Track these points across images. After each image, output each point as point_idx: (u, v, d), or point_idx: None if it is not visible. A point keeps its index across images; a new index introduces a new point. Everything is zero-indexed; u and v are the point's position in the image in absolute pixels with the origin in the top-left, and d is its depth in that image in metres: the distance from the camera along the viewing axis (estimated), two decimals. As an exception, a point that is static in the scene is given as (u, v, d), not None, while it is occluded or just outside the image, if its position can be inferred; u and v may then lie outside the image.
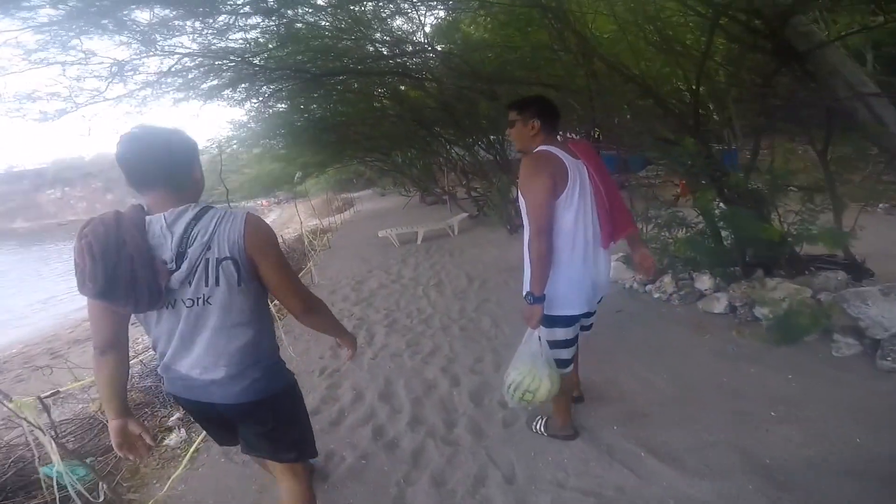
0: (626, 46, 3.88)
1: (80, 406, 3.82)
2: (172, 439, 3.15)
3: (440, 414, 2.95)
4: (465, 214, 9.58)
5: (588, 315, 2.22)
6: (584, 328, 2.28)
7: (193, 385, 1.44)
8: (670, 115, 3.45)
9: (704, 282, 3.98)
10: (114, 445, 1.46)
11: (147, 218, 1.33)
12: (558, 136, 2.08)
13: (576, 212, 1.90)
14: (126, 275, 1.25)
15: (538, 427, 2.48)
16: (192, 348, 1.40)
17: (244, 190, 15.15)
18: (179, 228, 1.32)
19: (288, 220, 26.68)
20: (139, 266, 1.26)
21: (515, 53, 4.82)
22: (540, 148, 1.95)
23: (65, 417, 3.60)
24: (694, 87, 3.37)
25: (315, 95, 7.73)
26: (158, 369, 1.50)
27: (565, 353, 2.15)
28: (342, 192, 29.29)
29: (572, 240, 1.93)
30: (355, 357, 1.89)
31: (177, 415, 3.36)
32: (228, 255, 1.32)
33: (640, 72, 3.74)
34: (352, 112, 8.67)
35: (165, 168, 1.33)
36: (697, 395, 2.71)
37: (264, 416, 1.49)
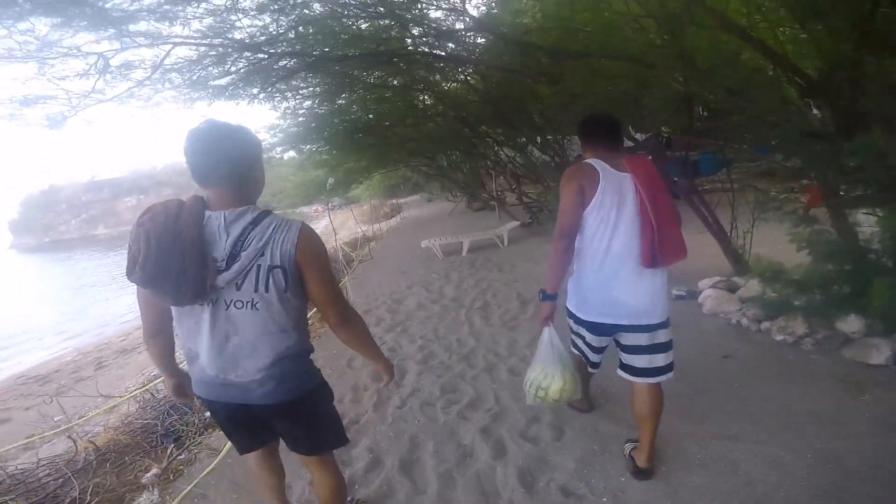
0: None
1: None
2: (143, 501, 2.61)
3: (475, 497, 2.19)
4: (515, 223, 8.65)
5: (635, 349, 2.02)
6: (634, 371, 2.05)
7: (229, 386, 1.46)
8: (817, 91, 2.41)
9: (851, 323, 2.88)
10: (171, 395, 1.69)
11: (207, 213, 1.38)
12: (616, 148, 2.07)
13: (602, 222, 1.92)
14: (176, 266, 1.29)
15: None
16: (232, 350, 1.42)
17: (293, 196, 14.94)
18: (236, 230, 1.36)
19: (340, 225, 26.93)
20: (189, 261, 1.30)
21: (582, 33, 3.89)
22: (586, 160, 2.02)
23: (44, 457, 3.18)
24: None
25: (350, 94, 7.17)
26: (188, 367, 1.54)
27: (595, 357, 2.21)
28: (390, 197, 29.11)
29: (595, 247, 1.96)
30: (393, 385, 1.92)
31: (154, 470, 2.84)
32: (279, 263, 1.37)
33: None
34: (391, 112, 8.04)
35: (229, 164, 1.37)
36: (861, 488, 1.85)
37: (302, 413, 1.55)
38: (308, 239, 1.39)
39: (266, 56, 4.21)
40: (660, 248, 1.87)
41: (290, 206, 18.51)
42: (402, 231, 14.29)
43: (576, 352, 2.25)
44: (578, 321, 2.11)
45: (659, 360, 1.99)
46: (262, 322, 1.39)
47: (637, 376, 2.03)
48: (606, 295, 1.97)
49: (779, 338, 3.25)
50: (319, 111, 7.67)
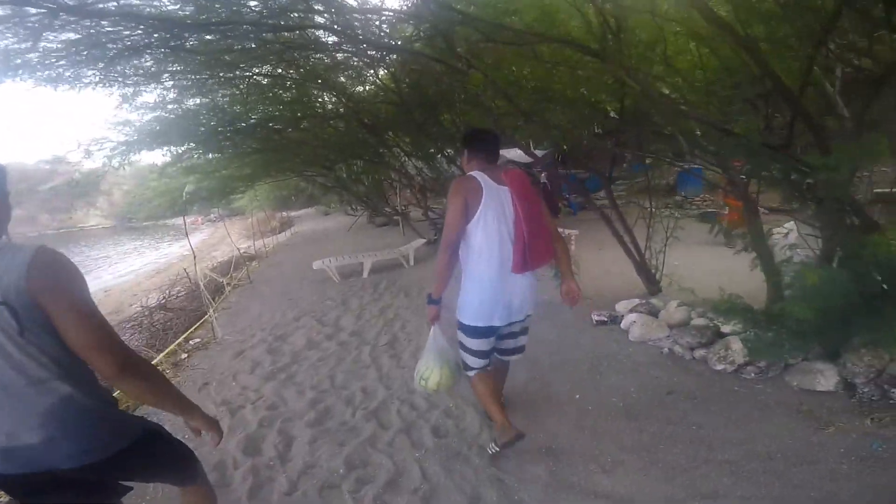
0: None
1: None
2: None
3: None
4: (421, 240, 7.97)
5: (510, 335, 2.36)
6: (504, 351, 2.42)
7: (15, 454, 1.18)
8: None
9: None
10: None
11: None
12: (494, 161, 2.22)
13: (485, 232, 2.06)
14: None
15: (491, 448, 2.36)
16: None
17: (153, 207, 12.56)
18: None
19: (219, 241, 24.09)
20: None
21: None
22: (469, 173, 2.15)
23: None
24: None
25: (231, 88, 5.96)
26: None
27: (471, 360, 2.29)
28: (281, 209, 26.96)
29: (480, 258, 2.10)
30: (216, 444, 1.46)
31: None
32: (3, 299, 1.07)
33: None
34: (284, 113, 6.94)
35: None
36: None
37: (123, 469, 1.32)
38: (46, 266, 1.11)
39: (95, 22, 3.07)
40: (530, 255, 2.07)
41: (150, 217, 15.82)
42: (293, 248, 12.88)
43: (472, 365, 2.30)
44: (471, 330, 2.22)
45: (523, 340, 2.41)
46: (6, 376, 1.13)
47: (505, 356, 2.43)
48: (498, 301, 2.13)
49: (718, 367, 3.02)
50: (188, 107, 6.32)
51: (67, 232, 42.43)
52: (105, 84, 4.32)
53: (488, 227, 2.04)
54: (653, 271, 4.61)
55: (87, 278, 1.19)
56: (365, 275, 7.18)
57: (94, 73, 3.99)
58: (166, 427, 1.52)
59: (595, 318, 4.09)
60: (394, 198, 11.78)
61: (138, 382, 1.21)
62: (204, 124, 6.67)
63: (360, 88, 7.00)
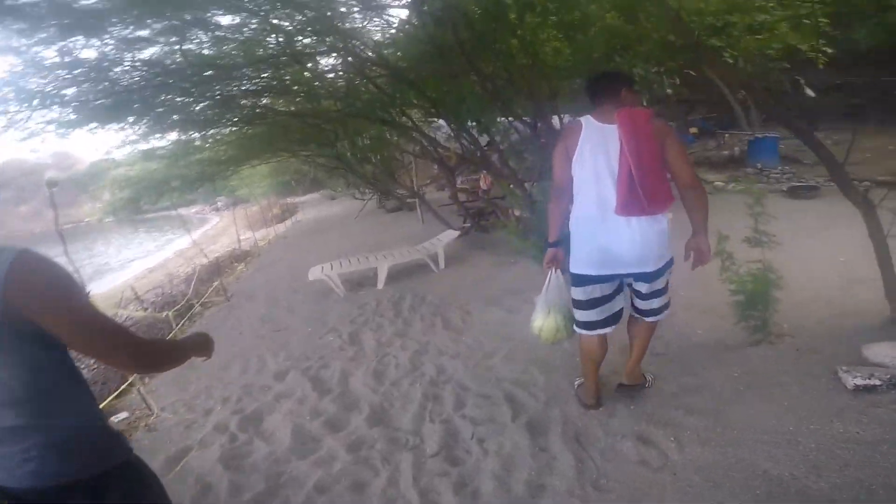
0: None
1: None
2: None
3: None
4: (453, 233, 5.98)
5: (637, 295, 2.19)
6: (638, 311, 2.24)
7: None
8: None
9: None
10: None
11: None
12: (608, 103, 2.03)
13: (582, 172, 1.99)
14: None
15: (575, 385, 2.52)
16: None
17: (124, 201, 10.51)
18: None
19: (221, 232, 22.41)
20: None
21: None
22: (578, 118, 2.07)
23: None
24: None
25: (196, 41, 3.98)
26: None
27: (580, 314, 2.19)
28: (286, 196, 25.14)
29: (578, 198, 2.04)
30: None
31: None
32: None
33: None
34: (272, 80, 4.93)
35: None
36: None
37: (94, 495, 1.15)
38: (26, 274, 0.97)
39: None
40: (637, 197, 1.88)
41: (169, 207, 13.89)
42: (291, 242, 10.96)
43: (578, 319, 2.21)
44: (574, 277, 2.13)
45: (656, 302, 2.16)
46: None
47: (643, 315, 2.22)
48: (595, 245, 2.02)
49: None
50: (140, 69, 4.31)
51: (74, 227, 40.89)
52: None
53: (585, 166, 1.97)
54: None
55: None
56: (380, 285, 5.25)
57: None
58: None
59: (852, 379, 2.19)
60: (406, 177, 9.73)
61: (156, 365, 1.28)
62: (164, 94, 4.66)
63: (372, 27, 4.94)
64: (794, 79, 8.61)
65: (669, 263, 2.09)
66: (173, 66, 4.29)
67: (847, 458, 1.81)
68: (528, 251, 4.05)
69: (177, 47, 4.06)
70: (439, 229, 6.82)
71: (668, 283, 2.16)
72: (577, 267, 2.09)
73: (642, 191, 1.87)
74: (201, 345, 1.42)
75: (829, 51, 3.99)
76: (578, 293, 2.14)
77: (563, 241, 2.18)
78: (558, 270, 2.26)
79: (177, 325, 5.19)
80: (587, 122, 1.98)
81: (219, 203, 33.29)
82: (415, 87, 4.72)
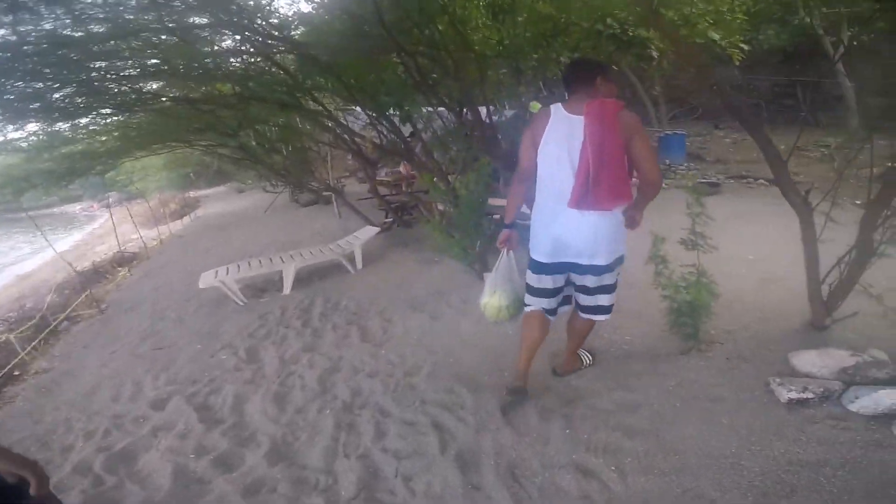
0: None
1: None
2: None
3: None
4: (372, 229, 5.49)
5: (583, 289, 2.17)
6: (582, 308, 2.25)
7: None
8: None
9: None
10: None
11: None
12: (579, 92, 1.98)
13: (545, 162, 1.98)
14: None
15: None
16: None
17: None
18: None
19: (111, 230, 19.84)
20: None
21: None
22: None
23: None
24: None
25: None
26: None
27: (528, 298, 2.23)
28: (188, 189, 22.84)
29: (539, 186, 2.04)
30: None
31: None
32: None
33: None
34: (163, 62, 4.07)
35: None
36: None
37: None
38: None
39: None
40: (593, 191, 1.86)
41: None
42: (188, 241, 9.76)
43: (526, 301, 2.25)
44: (531, 262, 2.15)
45: (602, 299, 2.15)
46: None
47: (584, 313, 2.23)
48: (549, 234, 2.03)
49: None
50: None
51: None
52: None
53: (548, 156, 1.96)
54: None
55: None
56: (286, 290, 4.66)
57: None
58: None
59: (786, 393, 2.09)
60: (322, 170, 9.01)
61: None
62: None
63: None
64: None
65: (621, 260, 2.09)
66: (23, 45, 3.39)
67: (793, 482, 1.68)
68: (452, 250, 3.73)
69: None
70: (358, 225, 6.32)
71: (616, 282, 2.15)
72: (533, 252, 2.13)
73: (599, 186, 1.85)
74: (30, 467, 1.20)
75: (746, 48, 4.10)
76: (532, 279, 2.17)
77: (517, 225, 2.23)
78: (510, 252, 2.28)
79: (24, 350, 4.22)
80: (556, 110, 1.96)
81: (109, 199, 29.87)
82: (325, 69, 4.18)
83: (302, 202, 10.97)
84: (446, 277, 4.28)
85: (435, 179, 3.88)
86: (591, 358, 2.56)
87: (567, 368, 2.49)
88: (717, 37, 3.66)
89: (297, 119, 6.74)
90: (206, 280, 4.56)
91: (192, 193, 22.45)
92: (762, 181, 7.78)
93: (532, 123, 2.03)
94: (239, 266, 4.83)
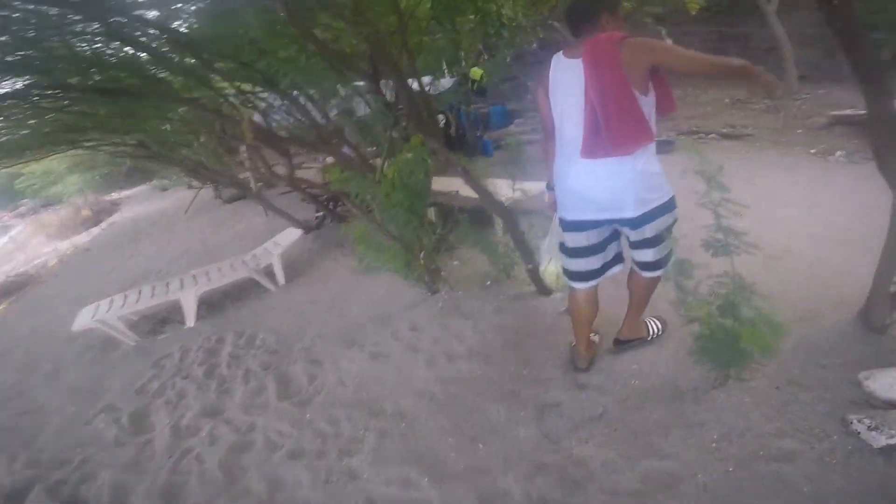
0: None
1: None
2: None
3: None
4: (296, 232, 4.51)
5: (632, 244, 1.91)
6: (637, 263, 1.97)
7: None
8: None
9: None
10: None
11: None
12: (580, 33, 1.77)
13: (556, 113, 1.85)
14: None
15: (571, 345, 2.28)
16: None
17: None
18: None
19: (22, 244, 17.53)
20: None
21: None
22: None
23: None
24: None
25: None
26: None
27: (565, 261, 2.06)
28: (107, 191, 20.57)
29: (558, 142, 1.90)
30: None
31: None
32: None
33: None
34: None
35: None
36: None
37: None
38: None
39: None
40: (602, 138, 1.68)
41: None
42: (93, 257, 8.27)
43: (566, 267, 2.08)
44: (561, 221, 2.00)
45: (649, 253, 1.87)
46: None
47: (641, 269, 1.97)
48: (569, 188, 1.87)
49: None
50: None
51: None
52: None
53: (556, 107, 1.83)
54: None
55: None
56: (189, 322, 3.66)
57: None
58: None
59: (881, 437, 1.51)
60: (239, 164, 7.74)
61: None
62: None
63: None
64: (658, 30, 8.61)
65: (663, 209, 1.78)
66: None
67: None
68: (389, 264, 2.86)
69: None
70: (285, 224, 5.32)
71: (665, 233, 1.81)
72: (560, 210, 1.98)
73: (609, 131, 1.66)
74: None
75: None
76: (570, 239, 1.99)
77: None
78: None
79: None
80: (556, 58, 1.82)
81: (21, 207, 26.80)
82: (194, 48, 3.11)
83: (225, 198, 9.69)
84: (391, 294, 3.41)
85: (345, 173, 2.88)
86: (659, 327, 2.24)
87: (627, 335, 2.21)
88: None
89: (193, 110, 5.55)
90: (82, 321, 3.50)
91: (114, 195, 20.34)
92: (713, 135, 7.42)
93: (541, 78, 1.88)
94: (126, 297, 3.76)
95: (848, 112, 6.91)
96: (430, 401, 2.22)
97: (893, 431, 1.47)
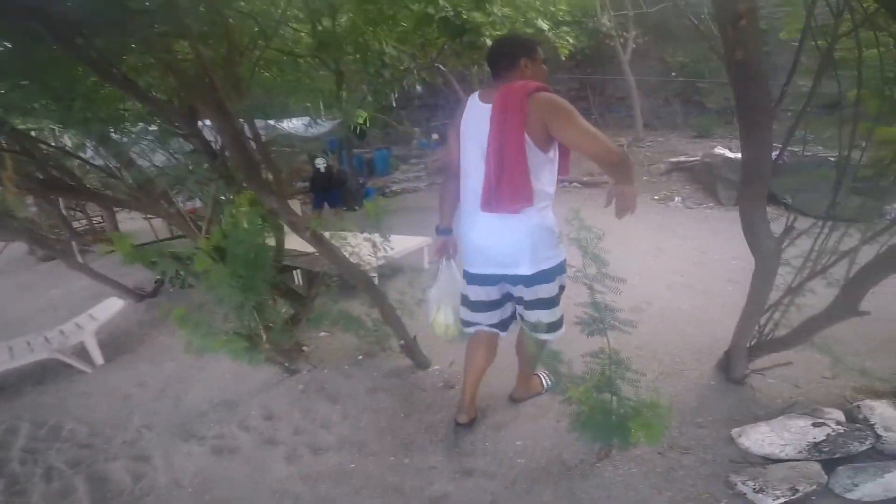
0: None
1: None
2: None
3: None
4: (117, 303, 3.59)
5: (520, 302, 1.83)
6: (527, 324, 1.85)
7: None
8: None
9: None
10: None
11: None
12: (500, 77, 1.73)
13: (462, 161, 1.79)
14: None
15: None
16: None
17: None
18: None
19: None
20: None
21: None
22: None
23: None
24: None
25: None
26: None
27: (463, 311, 1.97)
28: None
29: (462, 190, 1.82)
30: None
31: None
32: None
33: None
34: None
35: None
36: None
37: None
38: None
39: None
40: (497, 191, 1.63)
41: None
42: None
43: (462, 316, 1.98)
44: (464, 273, 1.92)
45: (541, 314, 1.80)
46: None
47: (532, 330, 1.84)
48: (470, 240, 1.83)
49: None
50: None
51: None
52: None
53: (462, 152, 1.77)
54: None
55: None
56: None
57: None
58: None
59: (767, 499, 1.50)
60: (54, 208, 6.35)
61: None
62: None
63: None
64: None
65: (557, 270, 1.76)
66: None
67: None
68: (225, 348, 2.29)
69: None
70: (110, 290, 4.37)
71: (557, 295, 1.80)
72: (464, 262, 1.89)
73: (498, 186, 1.61)
74: None
75: (572, 40, 3.75)
76: (467, 290, 1.91)
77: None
78: (450, 261, 2.04)
79: None
80: (471, 101, 1.74)
81: None
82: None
83: (39, 256, 7.94)
84: (239, 375, 2.85)
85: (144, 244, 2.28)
86: (551, 377, 2.24)
87: (522, 394, 2.23)
88: (545, 27, 3.25)
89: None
90: None
91: None
92: (575, 184, 8.15)
93: (456, 117, 1.81)
94: None
95: (682, 159, 8.08)
96: (293, 503, 1.78)
97: (778, 492, 1.47)
